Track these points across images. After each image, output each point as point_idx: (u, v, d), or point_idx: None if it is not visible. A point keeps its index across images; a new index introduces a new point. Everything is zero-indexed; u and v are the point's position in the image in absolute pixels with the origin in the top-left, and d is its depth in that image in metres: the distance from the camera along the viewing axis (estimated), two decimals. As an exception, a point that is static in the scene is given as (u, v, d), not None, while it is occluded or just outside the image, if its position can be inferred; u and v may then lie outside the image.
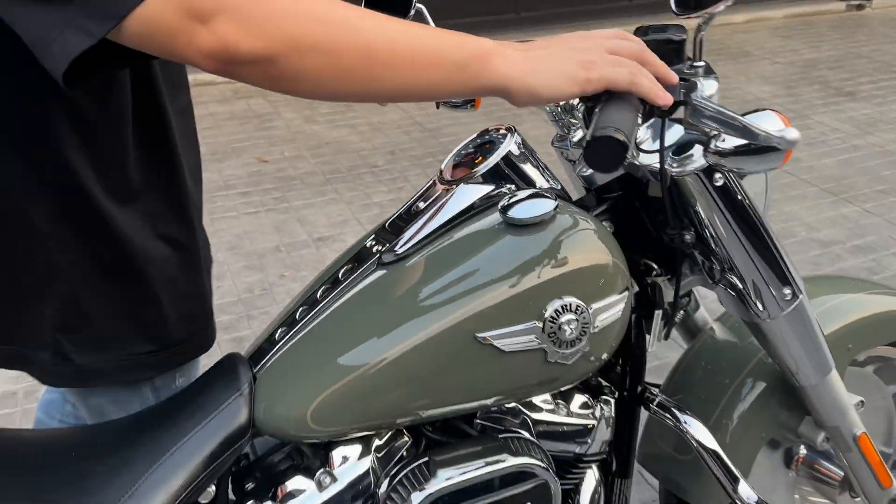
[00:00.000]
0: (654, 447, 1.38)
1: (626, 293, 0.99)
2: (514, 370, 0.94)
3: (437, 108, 1.29)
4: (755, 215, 1.06)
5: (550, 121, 1.24)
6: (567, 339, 0.94)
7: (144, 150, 0.94)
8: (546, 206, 0.96)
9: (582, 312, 0.94)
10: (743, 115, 0.82)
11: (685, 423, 1.14)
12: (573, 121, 1.19)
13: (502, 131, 1.07)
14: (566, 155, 1.22)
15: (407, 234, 1.00)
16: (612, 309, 0.96)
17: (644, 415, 1.39)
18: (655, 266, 1.13)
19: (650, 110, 0.80)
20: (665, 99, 0.79)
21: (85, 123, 0.87)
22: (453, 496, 0.94)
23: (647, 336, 1.15)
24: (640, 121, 0.78)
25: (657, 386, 1.21)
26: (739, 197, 1.03)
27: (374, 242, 1.05)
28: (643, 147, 1.05)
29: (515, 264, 0.94)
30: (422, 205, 1.04)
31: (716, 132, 0.82)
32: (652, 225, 1.12)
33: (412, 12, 1.18)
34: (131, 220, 0.94)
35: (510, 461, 0.96)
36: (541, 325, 0.92)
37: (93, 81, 0.77)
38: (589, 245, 0.97)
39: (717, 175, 1.01)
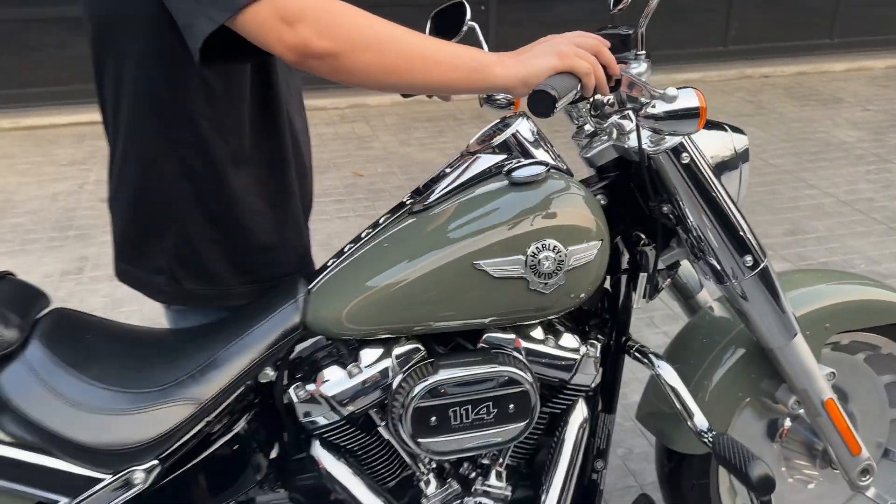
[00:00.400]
0: (651, 406, 1.58)
1: (599, 242, 1.22)
2: (502, 294, 1.20)
3: (481, 105, 1.57)
4: (718, 191, 1.28)
5: (570, 120, 1.49)
6: (545, 272, 1.18)
7: (257, 127, 1.24)
8: (539, 169, 1.22)
9: (559, 252, 1.19)
10: (664, 89, 1.06)
11: (658, 366, 1.35)
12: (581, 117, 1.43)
13: (516, 116, 1.34)
14: (579, 143, 1.47)
15: (434, 191, 1.28)
16: (585, 252, 1.21)
17: (644, 378, 1.60)
18: (644, 237, 1.36)
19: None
20: (606, 92, 1.07)
21: (213, 98, 1.17)
22: (451, 390, 1.20)
23: (633, 295, 1.38)
24: (578, 87, 1.04)
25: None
26: (702, 174, 1.26)
27: (409, 198, 1.34)
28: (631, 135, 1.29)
29: (510, 213, 1.20)
30: (448, 171, 1.32)
31: (647, 101, 1.07)
32: (642, 202, 1.36)
33: (465, 29, 1.47)
34: (241, 181, 1.24)
35: (498, 368, 1.21)
36: (524, 258, 1.18)
37: (221, 65, 1.08)
38: (571, 201, 1.22)
39: (684, 154, 1.25)
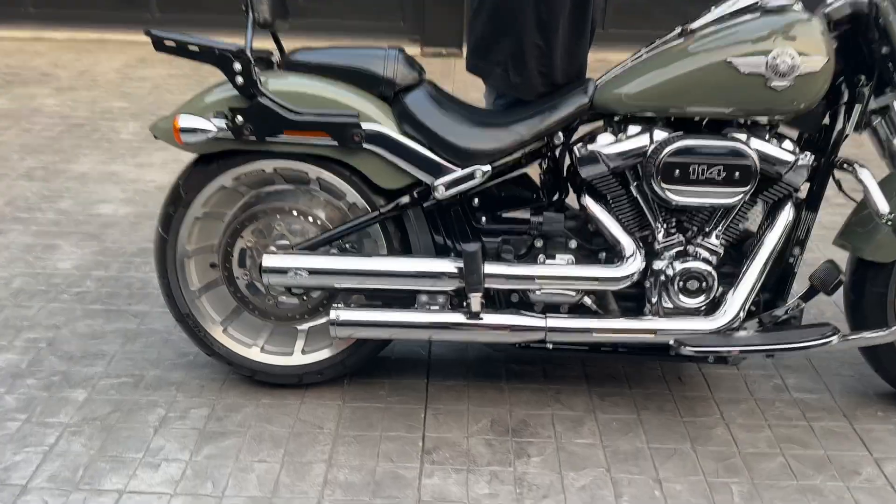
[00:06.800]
0: (847, 230, 1.90)
1: (825, 60, 1.63)
2: (744, 87, 1.65)
3: None
4: None
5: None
6: (781, 72, 1.62)
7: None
8: (789, 1, 1.65)
9: (793, 58, 1.61)
10: None
11: (860, 172, 1.74)
12: None
13: None
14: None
15: (696, 24, 1.75)
16: (812, 63, 1.62)
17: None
18: (863, 79, 1.74)
19: None
20: None
21: None
22: (694, 152, 1.68)
23: (848, 125, 1.76)
24: None
25: None
26: None
27: (679, 28, 1.81)
28: None
29: (762, 29, 1.65)
30: (713, 8, 1.78)
31: None
32: (866, 49, 1.73)
33: None
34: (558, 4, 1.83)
35: (731, 143, 1.68)
36: (766, 59, 1.62)
37: None
38: (808, 26, 1.65)
39: None
